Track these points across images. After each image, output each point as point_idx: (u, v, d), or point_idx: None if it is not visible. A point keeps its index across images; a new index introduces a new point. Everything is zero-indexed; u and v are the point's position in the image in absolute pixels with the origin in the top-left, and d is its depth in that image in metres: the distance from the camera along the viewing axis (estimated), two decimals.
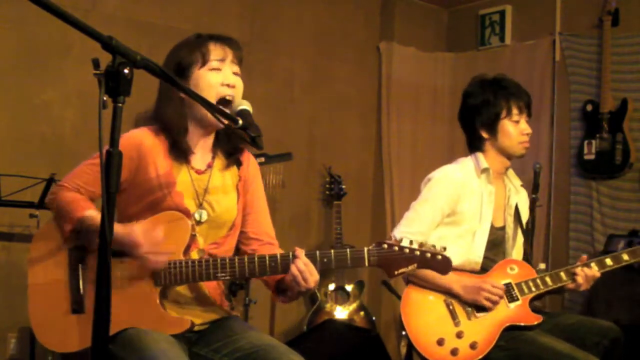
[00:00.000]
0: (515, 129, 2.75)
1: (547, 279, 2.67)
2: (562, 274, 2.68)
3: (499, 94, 2.75)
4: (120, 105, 1.39)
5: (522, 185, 2.93)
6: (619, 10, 4.39)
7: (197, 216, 2.05)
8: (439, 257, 1.97)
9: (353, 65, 5.25)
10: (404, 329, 2.64)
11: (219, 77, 2.04)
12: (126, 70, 1.38)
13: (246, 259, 1.97)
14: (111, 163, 1.40)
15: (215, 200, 2.09)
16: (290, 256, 1.96)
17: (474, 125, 2.79)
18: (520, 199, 2.91)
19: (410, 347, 2.65)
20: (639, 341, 3.14)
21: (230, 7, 4.63)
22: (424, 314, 2.65)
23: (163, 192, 2.01)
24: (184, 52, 2.07)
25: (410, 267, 1.95)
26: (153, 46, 4.02)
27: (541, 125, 4.69)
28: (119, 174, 1.41)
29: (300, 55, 4.97)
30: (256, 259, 1.97)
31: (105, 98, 1.37)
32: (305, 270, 1.92)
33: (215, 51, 2.06)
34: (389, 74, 5.31)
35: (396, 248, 1.96)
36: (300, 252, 1.95)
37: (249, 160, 2.23)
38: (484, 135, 2.78)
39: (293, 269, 1.93)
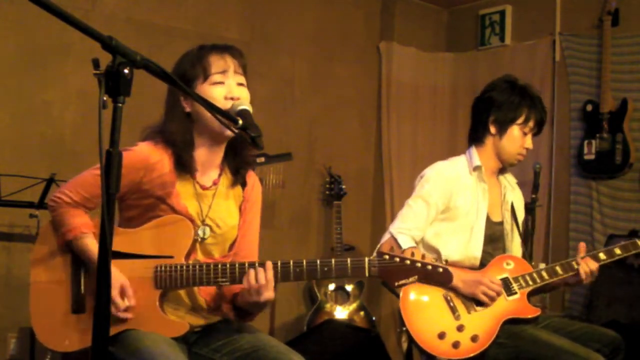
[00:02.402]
0: (521, 140, 2.79)
1: (544, 273, 2.72)
2: (558, 268, 2.71)
3: (525, 101, 2.79)
4: (120, 105, 1.39)
5: (517, 183, 2.95)
6: (619, 10, 4.39)
7: (200, 232, 2.04)
8: (440, 269, 1.95)
9: (353, 65, 5.25)
10: (404, 325, 2.65)
11: (222, 91, 2.00)
12: (126, 70, 1.37)
13: (237, 265, 1.98)
14: (111, 164, 1.40)
15: (220, 218, 2.08)
16: (257, 265, 1.95)
17: (487, 117, 2.82)
18: (516, 197, 2.93)
19: (411, 342, 2.66)
20: (638, 340, 3.14)
21: (230, 7, 4.63)
22: (424, 309, 2.66)
23: (166, 204, 2.01)
24: (186, 65, 2.04)
25: (410, 279, 1.94)
26: (153, 46, 4.03)
27: None
28: (119, 175, 1.41)
29: (300, 55, 4.97)
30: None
31: (105, 98, 1.36)
32: (262, 278, 1.92)
33: (217, 63, 2.02)
34: (389, 74, 5.31)
35: (397, 259, 1.94)
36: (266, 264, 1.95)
37: (255, 182, 2.22)
38: (492, 130, 2.81)
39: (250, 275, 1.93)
